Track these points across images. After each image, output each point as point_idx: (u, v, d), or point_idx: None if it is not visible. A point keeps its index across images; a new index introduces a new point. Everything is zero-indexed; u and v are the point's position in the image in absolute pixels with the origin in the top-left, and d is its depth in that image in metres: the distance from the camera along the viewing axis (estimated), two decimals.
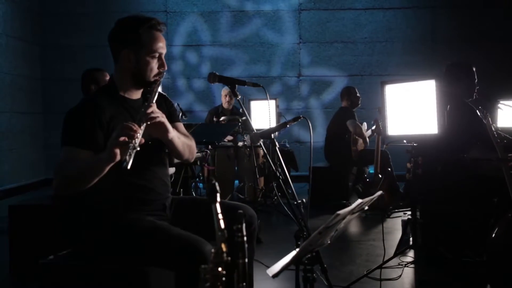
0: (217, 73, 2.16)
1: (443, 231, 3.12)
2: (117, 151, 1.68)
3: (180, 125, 2.23)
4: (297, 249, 1.50)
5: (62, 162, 1.83)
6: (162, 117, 1.89)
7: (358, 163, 5.59)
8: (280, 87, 7.85)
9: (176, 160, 3.03)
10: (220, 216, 1.21)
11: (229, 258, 1.19)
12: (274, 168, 2.12)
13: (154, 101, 1.91)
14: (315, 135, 7.21)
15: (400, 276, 3.08)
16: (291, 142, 7.76)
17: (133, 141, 1.67)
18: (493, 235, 2.78)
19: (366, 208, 1.80)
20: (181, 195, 3.12)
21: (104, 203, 1.95)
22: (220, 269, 1.18)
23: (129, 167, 1.63)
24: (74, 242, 2.07)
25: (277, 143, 2.12)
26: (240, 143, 5.48)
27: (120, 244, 1.87)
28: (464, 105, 3.39)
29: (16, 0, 7.09)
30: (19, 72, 6.99)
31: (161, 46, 2.00)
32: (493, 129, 2.82)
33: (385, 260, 2.89)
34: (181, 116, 5.75)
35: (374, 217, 4.96)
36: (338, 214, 1.43)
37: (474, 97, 3.60)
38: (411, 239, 3.86)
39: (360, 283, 2.98)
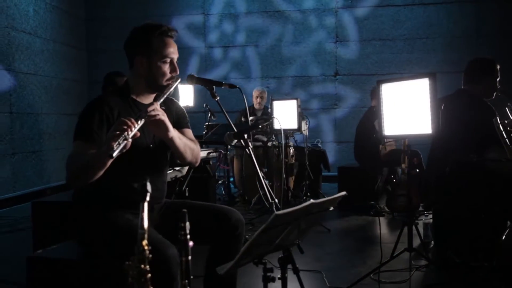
0: (195, 75, 2.22)
1: (452, 235, 3.01)
2: (114, 144, 1.73)
3: (188, 131, 2.28)
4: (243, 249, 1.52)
5: (71, 156, 1.94)
6: (162, 116, 1.95)
7: (388, 164, 5.45)
8: (316, 86, 7.81)
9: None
10: (145, 214, 1.26)
11: (150, 256, 1.23)
12: (257, 168, 2.13)
13: (159, 102, 2.01)
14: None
15: (408, 279, 3.01)
16: (328, 142, 7.70)
17: (125, 133, 1.74)
18: (503, 238, 2.66)
19: (331, 208, 1.79)
20: (186, 195, 3.19)
21: (96, 200, 2.06)
22: (143, 266, 1.23)
23: (114, 155, 1.69)
24: (69, 237, 2.20)
25: (250, 144, 2.14)
26: (270, 143, 5.52)
27: (97, 240, 1.97)
28: (482, 104, 3.26)
29: (63, 8, 7.52)
30: (65, 76, 7.39)
31: (172, 52, 2.09)
32: (501, 128, 2.69)
33: (382, 262, 2.83)
34: (210, 116, 5.89)
35: (402, 219, 4.85)
36: (277, 215, 1.44)
37: (495, 96, 3.44)
38: (432, 242, 3.77)
39: (366, 285, 2.93)
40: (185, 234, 1.48)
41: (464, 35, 7.36)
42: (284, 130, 4.90)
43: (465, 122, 3.16)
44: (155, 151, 2.12)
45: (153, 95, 2.15)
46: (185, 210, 1.48)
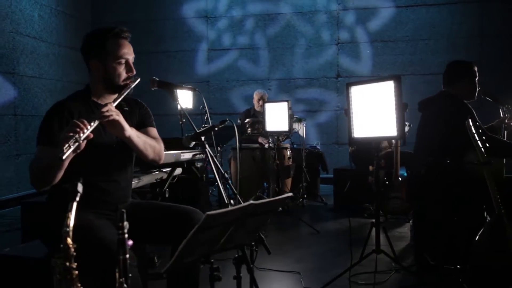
0: (156, 79, 2.27)
1: (427, 237, 3.01)
2: (64, 146, 1.77)
3: (152, 130, 2.33)
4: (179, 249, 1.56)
5: (33, 161, 2.02)
6: (116, 116, 1.99)
7: (384, 166, 5.43)
8: (317, 88, 7.81)
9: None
10: (73, 213, 1.32)
11: (75, 253, 1.28)
12: (216, 170, 2.18)
13: (115, 103, 2.06)
14: None
15: (385, 281, 3.03)
16: (330, 144, 7.70)
17: (77, 135, 1.78)
18: (476, 241, 2.66)
19: (280, 209, 1.83)
20: (166, 195, 3.25)
21: (61, 199, 2.12)
22: (68, 263, 1.29)
23: (64, 157, 1.73)
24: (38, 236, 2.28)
25: (207, 146, 2.18)
26: (266, 145, 5.56)
27: (57, 239, 2.04)
28: (462, 106, 3.25)
29: (69, 12, 7.67)
30: (70, 79, 7.54)
31: (126, 52, 2.15)
32: (473, 130, 2.69)
33: (352, 264, 2.84)
34: (206, 118, 5.93)
35: (396, 221, 4.85)
36: (208, 215, 1.48)
37: (476, 97, 3.44)
38: None
39: (340, 287, 2.95)
40: (123, 234, 1.53)
41: (467, 36, 7.29)
42: (275, 132, 4.94)
43: (444, 123, 3.16)
44: (119, 151, 2.16)
45: (114, 96, 2.19)
46: (123, 210, 1.53)
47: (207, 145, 2.17)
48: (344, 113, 3.22)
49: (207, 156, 3.85)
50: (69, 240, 1.29)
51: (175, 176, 3.70)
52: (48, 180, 1.94)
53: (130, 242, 1.60)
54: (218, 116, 7.90)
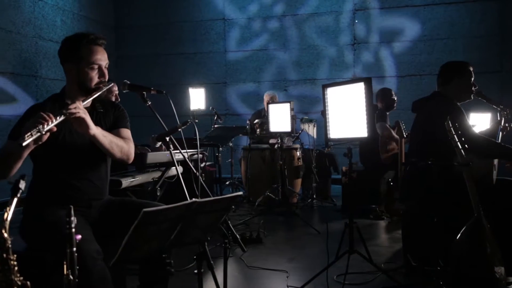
0: (128, 82, 2.37)
1: (410, 238, 3.00)
2: (25, 134, 1.85)
3: (124, 131, 2.41)
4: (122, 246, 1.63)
5: None
6: (83, 114, 2.08)
7: (392, 167, 5.38)
8: None
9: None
10: (12, 208, 1.42)
11: (10, 246, 1.38)
12: (194, 169, 2.26)
13: (85, 102, 2.17)
14: None
15: (368, 282, 3.05)
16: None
17: (40, 125, 1.87)
18: (454, 243, 2.64)
19: (233, 207, 1.88)
20: (158, 194, 3.35)
21: (36, 195, 2.26)
22: (5, 255, 1.39)
23: (24, 144, 1.82)
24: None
25: (172, 146, 2.26)
26: (276, 146, 5.61)
27: (30, 235, 2.18)
28: (451, 106, 3.21)
29: (92, 17, 7.95)
30: None
31: (99, 58, 2.26)
32: (453, 132, 2.67)
33: (329, 263, 2.87)
34: (216, 119, 6.06)
35: (396, 222, 4.82)
36: (145, 212, 1.56)
37: (472, 98, 3.39)
38: None
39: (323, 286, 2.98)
40: (70, 228, 1.63)
41: (487, 35, 7.12)
42: (278, 132, 4.99)
43: (433, 124, 3.13)
44: (91, 150, 2.26)
45: (90, 99, 2.30)
46: (71, 206, 1.63)
47: (171, 146, 2.26)
48: (321, 114, 3.24)
49: (204, 155, 3.95)
50: (5, 233, 1.38)
51: (174, 175, 3.81)
52: (5, 168, 2.04)
53: (79, 237, 1.70)
54: (234, 117, 8.02)
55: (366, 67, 7.63)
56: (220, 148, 4.25)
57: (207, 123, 6.23)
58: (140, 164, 3.18)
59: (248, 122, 5.80)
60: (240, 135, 5.78)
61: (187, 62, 8.27)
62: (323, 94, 2.74)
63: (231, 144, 6.17)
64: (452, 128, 2.67)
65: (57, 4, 7.07)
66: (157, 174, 3.72)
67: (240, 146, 6.35)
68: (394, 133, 5.08)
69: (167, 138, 2.27)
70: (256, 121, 5.86)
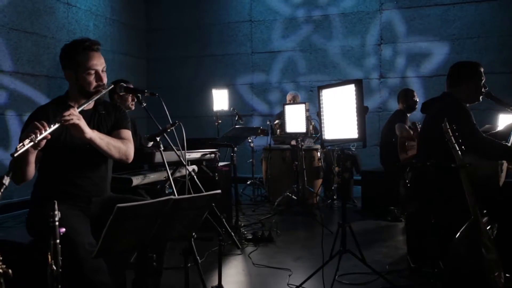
0: (124, 84, 2.49)
1: (411, 239, 2.98)
2: (18, 145, 1.96)
3: (124, 131, 2.52)
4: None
5: None
6: (77, 120, 2.19)
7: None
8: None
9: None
10: None
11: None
12: (186, 167, 2.36)
13: (80, 108, 2.30)
14: None
15: (371, 282, 3.05)
16: (371, 146, 7.60)
17: (33, 135, 1.99)
18: (451, 245, 2.62)
19: (213, 204, 1.96)
20: (166, 192, 3.47)
21: (40, 193, 2.42)
22: None
23: (16, 155, 1.93)
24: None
25: (162, 146, 2.36)
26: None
27: (33, 229, 2.33)
28: (460, 109, 3.17)
29: (123, 21, 8.23)
30: None
31: (95, 64, 2.38)
32: (450, 133, 2.65)
33: (324, 262, 2.89)
34: (237, 119, 6.17)
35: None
36: (118, 207, 1.65)
37: (481, 100, 3.33)
38: None
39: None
40: (53, 222, 1.76)
41: None
42: (294, 133, 5.03)
43: (438, 125, 3.10)
44: (92, 150, 2.39)
45: (93, 102, 2.44)
46: (55, 200, 1.76)
47: (162, 146, 2.36)
48: (316, 115, 3.23)
49: (216, 155, 4.05)
50: None
51: (188, 174, 3.92)
52: (18, 173, 2.17)
53: (63, 230, 1.83)
54: (260, 118, 8.10)
55: (393, 67, 7.54)
56: (235, 148, 4.33)
57: (230, 123, 6.35)
58: (149, 162, 3.30)
59: (268, 122, 5.87)
60: (255, 136, 5.85)
61: (215, 64, 8.42)
62: (318, 96, 2.78)
63: (252, 145, 6.26)
64: (449, 129, 2.66)
65: (90, 9, 7.37)
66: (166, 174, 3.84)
67: (261, 146, 6.44)
68: (413, 134, 5.02)
69: (158, 138, 2.38)
70: (276, 121, 5.92)
